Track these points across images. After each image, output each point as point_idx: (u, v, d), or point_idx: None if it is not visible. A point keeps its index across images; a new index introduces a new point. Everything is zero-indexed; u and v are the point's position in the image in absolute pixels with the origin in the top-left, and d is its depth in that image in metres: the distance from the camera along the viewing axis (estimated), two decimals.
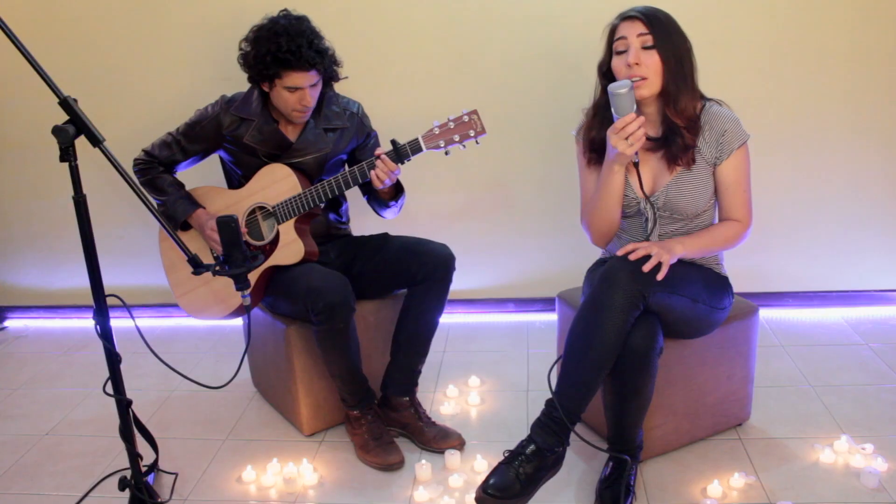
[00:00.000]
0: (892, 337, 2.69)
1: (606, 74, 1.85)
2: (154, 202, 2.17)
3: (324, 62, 2.02)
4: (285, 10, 2.07)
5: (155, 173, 2.18)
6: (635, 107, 1.73)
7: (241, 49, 2.09)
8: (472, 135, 1.97)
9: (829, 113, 2.70)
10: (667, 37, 1.74)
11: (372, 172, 1.99)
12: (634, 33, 1.75)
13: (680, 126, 1.80)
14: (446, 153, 2.00)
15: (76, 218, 1.55)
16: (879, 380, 2.39)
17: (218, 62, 2.77)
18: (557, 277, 2.89)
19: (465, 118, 1.96)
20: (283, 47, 1.96)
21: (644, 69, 1.75)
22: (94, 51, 2.84)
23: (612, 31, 1.81)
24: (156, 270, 3.06)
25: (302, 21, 2.02)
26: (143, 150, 2.19)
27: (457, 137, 1.98)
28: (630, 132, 1.71)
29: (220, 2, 2.72)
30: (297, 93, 2.02)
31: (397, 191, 2.18)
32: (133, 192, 1.57)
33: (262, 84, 2.08)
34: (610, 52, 1.82)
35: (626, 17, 1.78)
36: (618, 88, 1.71)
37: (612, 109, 1.75)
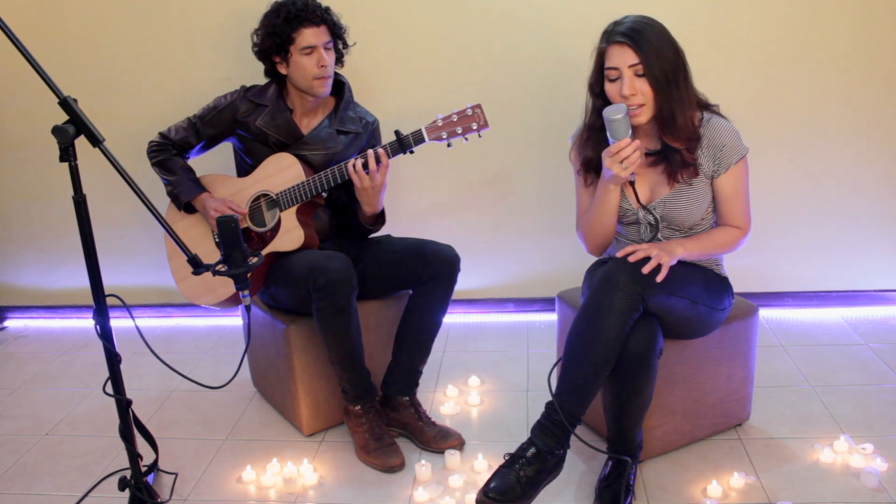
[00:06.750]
0: (892, 337, 2.69)
1: (600, 95, 1.81)
2: (162, 182, 2.23)
3: (332, 18, 2.14)
4: None
5: (167, 155, 2.21)
6: (630, 131, 1.72)
7: (253, 40, 2.16)
8: (475, 128, 2.00)
9: (829, 113, 2.70)
10: (656, 58, 1.70)
11: (359, 162, 2.02)
12: (626, 63, 1.71)
13: (679, 149, 1.78)
14: (449, 145, 2.03)
15: (76, 218, 1.55)
16: (879, 380, 2.39)
17: (218, 62, 2.78)
18: (557, 277, 2.89)
19: (469, 111, 2.00)
20: (292, 9, 2.07)
21: (641, 97, 1.73)
22: (94, 51, 2.84)
23: (601, 54, 1.77)
24: (156, 270, 3.07)
25: None
26: (159, 133, 2.24)
27: (459, 130, 2.01)
28: (625, 156, 1.71)
29: (220, 2, 2.72)
30: (314, 55, 2.08)
31: (376, 221, 2.22)
32: (133, 192, 1.57)
33: (279, 65, 2.13)
34: (600, 74, 1.78)
35: (613, 41, 1.72)
36: (613, 114, 1.70)
37: (608, 133, 1.73)
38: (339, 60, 2.22)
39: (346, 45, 2.23)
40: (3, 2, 2.77)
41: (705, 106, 1.84)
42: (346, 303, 1.99)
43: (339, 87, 2.25)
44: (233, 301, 2.19)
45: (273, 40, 2.09)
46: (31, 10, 2.81)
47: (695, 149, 1.80)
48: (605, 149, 1.77)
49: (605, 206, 1.84)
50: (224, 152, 2.36)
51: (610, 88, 1.76)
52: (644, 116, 1.76)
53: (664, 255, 1.69)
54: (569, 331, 1.73)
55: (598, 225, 1.88)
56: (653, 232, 1.88)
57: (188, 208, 2.22)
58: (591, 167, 1.90)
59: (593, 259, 2.10)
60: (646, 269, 1.66)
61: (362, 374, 2.12)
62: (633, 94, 1.72)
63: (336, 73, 2.20)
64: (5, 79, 2.92)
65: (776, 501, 1.82)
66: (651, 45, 1.69)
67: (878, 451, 1.98)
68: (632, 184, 1.80)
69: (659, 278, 1.66)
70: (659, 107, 1.74)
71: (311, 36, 2.07)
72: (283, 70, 2.14)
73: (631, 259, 1.69)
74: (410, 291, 2.20)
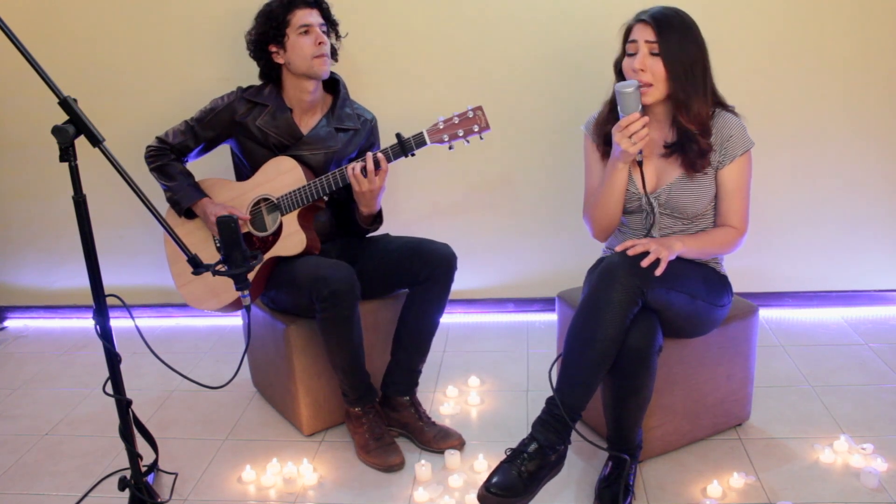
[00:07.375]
0: (892, 337, 2.69)
1: (621, 72, 1.86)
2: (161, 188, 2.21)
3: (323, 3, 2.18)
4: None
5: (166, 160, 2.20)
6: (640, 106, 1.76)
7: (247, 39, 2.18)
8: (476, 130, 2.01)
9: (829, 113, 2.70)
10: (675, 44, 1.75)
11: (358, 166, 2.01)
12: (643, 38, 1.76)
13: (694, 132, 1.81)
14: (450, 147, 2.03)
15: (76, 218, 1.55)
16: (879, 380, 2.39)
17: (217, 62, 2.78)
18: (557, 277, 2.89)
19: (470, 114, 2.01)
20: None
21: (649, 76, 1.77)
22: (94, 51, 2.84)
23: (628, 30, 1.83)
24: (156, 270, 3.07)
25: None
26: (157, 138, 2.22)
27: (461, 132, 2.01)
28: (633, 131, 1.75)
29: (219, 2, 2.72)
30: (310, 33, 2.10)
31: (373, 221, 2.23)
32: (133, 192, 1.57)
33: (275, 55, 2.14)
34: (625, 51, 1.84)
35: (640, 18, 1.79)
36: (624, 88, 1.75)
37: (619, 107, 1.79)
38: (334, 55, 2.23)
39: (338, 37, 2.24)
40: (3, 2, 2.78)
41: (722, 105, 1.87)
42: (349, 313, 1.99)
43: (335, 86, 2.25)
44: (236, 306, 2.18)
45: (269, 26, 2.11)
46: (31, 10, 2.81)
47: (709, 137, 1.83)
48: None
49: (612, 185, 1.86)
50: (222, 155, 2.36)
51: (626, 63, 1.82)
52: (651, 97, 1.79)
53: (663, 250, 1.70)
54: (569, 325, 1.74)
55: (605, 205, 1.89)
56: (653, 221, 1.89)
57: (188, 214, 2.21)
58: (608, 141, 1.92)
59: (594, 259, 2.10)
60: (645, 263, 1.67)
61: (363, 378, 2.12)
62: (643, 70, 1.76)
63: (331, 72, 2.20)
64: (5, 79, 2.92)
65: (776, 501, 1.82)
66: (672, 31, 1.75)
67: (878, 451, 1.98)
68: (640, 164, 1.83)
69: (658, 272, 1.67)
70: (673, 92, 1.78)
71: (305, 15, 2.10)
72: (280, 59, 2.14)
73: (630, 253, 1.70)
74: (408, 290, 2.20)
